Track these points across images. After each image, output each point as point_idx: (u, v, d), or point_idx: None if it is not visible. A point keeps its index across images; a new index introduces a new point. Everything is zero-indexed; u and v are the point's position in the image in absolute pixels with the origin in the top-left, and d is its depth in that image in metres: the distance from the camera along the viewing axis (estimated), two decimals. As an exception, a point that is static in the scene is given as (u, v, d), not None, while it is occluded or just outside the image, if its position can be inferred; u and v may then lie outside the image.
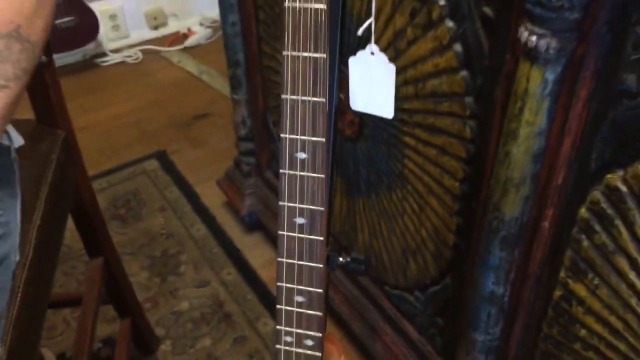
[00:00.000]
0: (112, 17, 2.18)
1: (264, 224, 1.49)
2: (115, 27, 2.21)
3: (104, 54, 2.20)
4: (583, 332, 0.74)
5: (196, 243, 1.54)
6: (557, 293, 0.75)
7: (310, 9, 0.47)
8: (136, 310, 1.22)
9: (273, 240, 1.51)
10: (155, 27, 2.31)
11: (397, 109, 0.88)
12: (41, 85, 0.87)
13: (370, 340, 1.19)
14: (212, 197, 1.66)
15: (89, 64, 2.17)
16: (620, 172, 0.61)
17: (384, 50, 0.84)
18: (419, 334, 1.09)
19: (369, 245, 1.12)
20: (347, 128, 1.02)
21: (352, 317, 1.22)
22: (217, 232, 1.56)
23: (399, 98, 0.87)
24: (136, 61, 2.20)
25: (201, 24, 2.35)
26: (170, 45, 2.27)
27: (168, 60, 2.21)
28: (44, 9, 0.61)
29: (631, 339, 0.68)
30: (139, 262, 1.50)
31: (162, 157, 1.80)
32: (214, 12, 2.37)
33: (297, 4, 0.47)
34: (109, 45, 2.21)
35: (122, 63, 2.20)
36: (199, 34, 2.30)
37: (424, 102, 0.84)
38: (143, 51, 2.24)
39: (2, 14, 0.59)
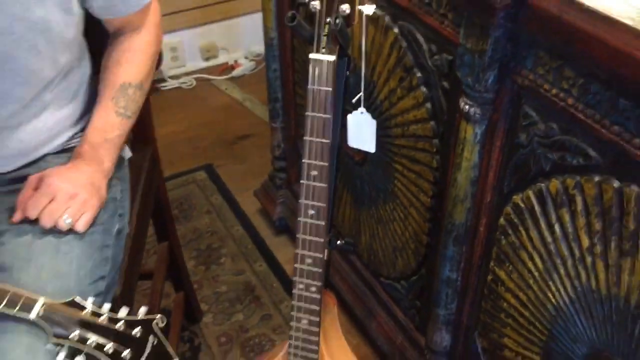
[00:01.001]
0: (173, 49, 2.58)
1: (291, 227, 1.85)
2: (175, 58, 2.61)
3: (163, 80, 2.59)
4: (505, 304, 1.07)
5: (235, 240, 1.90)
6: (489, 277, 1.09)
7: (322, 90, 0.82)
8: (188, 286, 1.58)
9: (297, 241, 1.86)
10: (207, 59, 2.70)
11: (390, 143, 1.23)
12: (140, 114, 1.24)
13: (367, 321, 1.52)
14: (249, 205, 2.02)
15: (151, 88, 2.56)
16: (520, 195, 0.95)
17: (382, 101, 1.19)
18: (404, 314, 1.43)
19: (370, 245, 1.46)
20: (356, 155, 1.36)
21: (355, 303, 1.56)
22: (252, 233, 1.92)
23: (391, 136, 1.22)
24: (190, 87, 2.59)
25: (246, 57, 2.74)
26: (220, 74, 2.66)
27: (217, 87, 2.60)
28: (153, 70, 1.00)
29: (532, 308, 1.01)
30: (187, 253, 1.86)
31: (210, 170, 2.17)
32: (258, 48, 2.76)
33: (315, 87, 0.82)
34: (168, 73, 2.61)
35: (179, 88, 2.59)
36: (244, 66, 2.68)
37: (407, 141, 1.18)
38: (196, 79, 2.63)
39: (133, 72, 0.97)
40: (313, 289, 0.91)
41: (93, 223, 0.93)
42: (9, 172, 0.97)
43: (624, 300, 0.83)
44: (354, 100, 0.91)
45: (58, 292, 0.85)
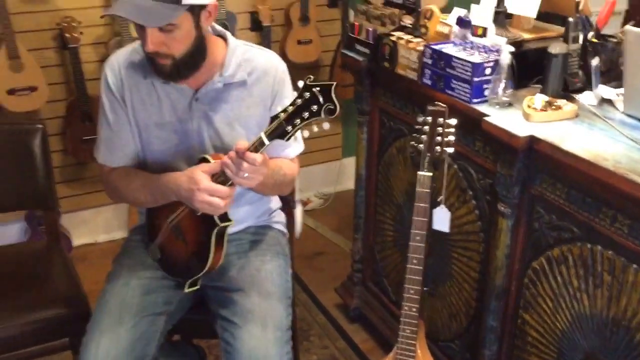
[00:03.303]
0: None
1: (365, 316, 2.43)
2: (262, 193, 3.36)
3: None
4: (530, 338, 1.65)
5: (319, 325, 2.49)
6: (519, 321, 1.68)
7: (424, 191, 1.50)
8: (296, 346, 2.15)
9: (370, 327, 2.43)
10: (286, 195, 3.45)
11: (450, 238, 1.88)
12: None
13: (428, 377, 2.07)
14: (328, 301, 2.62)
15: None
16: (536, 263, 1.59)
17: (451, 204, 1.86)
18: (457, 367, 1.98)
19: (430, 317, 2.05)
20: (423, 250, 2.01)
21: (418, 364, 2.11)
22: (332, 320, 2.51)
23: (452, 233, 1.87)
24: (274, 216, 3.30)
25: (315, 196, 3.48)
26: (296, 207, 3.38)
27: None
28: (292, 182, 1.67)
29: (547, 336, 1.59)
30: (282, 334, 2.43)
31: (295, 276, 2.79)
32: (325, 189, 3.51)
33: (420, 189, 1.50)
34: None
35: (264, 216, 3.30)
36: (315, 203, 3.42)
37: (462, 236, 1.84)
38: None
39: (293, 170, 1.64)
40: (414, 309, 1.53)
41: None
42: (234, 233, 1.63)
43: (600, 315, 1.44)
44: (438, 200, 1.59)
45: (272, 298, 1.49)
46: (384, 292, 2.33)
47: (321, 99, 1.22)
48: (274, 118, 1.27)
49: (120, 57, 1.56)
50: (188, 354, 1.81)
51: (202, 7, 1.41)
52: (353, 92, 2.31)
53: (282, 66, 1.60)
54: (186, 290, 1.54)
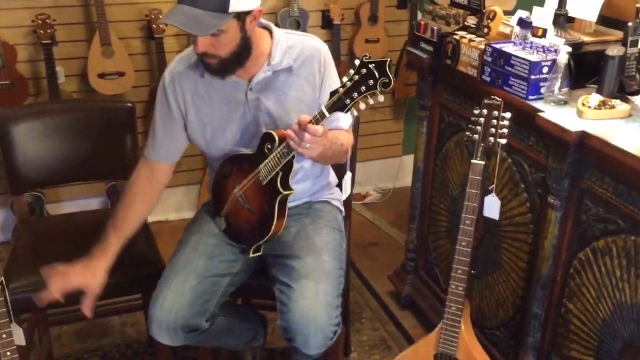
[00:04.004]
0: (323, 178, 3.48)
1: (415, 303, 2.54)
2: (323, 184, 3.50)
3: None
4: (572, 327, 1.72)
5: (371, 309, 2.61)
6: (562, 310, 1.76)
7: (476, 178, 1.60)
8: (348, 325, 2.28)
9: (420, 314, 2.54)
10: (346, 188, 3.58)
11: (501, 229, 1.97)
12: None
13: (473, 363, 2.15)
14: (380, 288, 2.74)
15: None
16: (582, 254, 1.66)
17: (503, 196, 1.95)
18: (500, 354, 2.06)
19: (477, 306, 2.14)
20: (474, 240, 2.10)
21: (464, 350, 2.20)
22: (384, 306, 2.62)
23: (501, 225, 1.96)
24: (333, 207, 3.44)
25: (374, 190, 3.60)
26: (355, 201, 3.51)
27: (354, 209, 3.44)
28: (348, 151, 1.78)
29: (588, 324, 1.66)
30: (335, 315, 2.57)
31: (351, 263, 2.93)
32: (383, 184, 3.63)
33: (472, 177, 1.61)
34: (317, 195, 3.49)
35: (324, 207, 3.45)
36: (373, 196, 3.54)
37: (512, 227, 1.92)
38: (338, 201, 3.49)
39: (349, 139, 1.74)
40: (460, 288, 1.63)
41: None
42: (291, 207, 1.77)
43: (640, 305, 1.51)
44: (489, 188, 1.69)
45: (327, 269, 1.62)
46: (435, 281, 2.43)
47: (377, 74, 1.33)
48: (334, 93, 1.40)
49: (179, 63, 1.73)
50: (250, 319, 1.96)
51: (248, 12, 1.55)
52: (415, 91, 2.42)
53: (324, 47, 1.74)
54: (250, 255, 1.70)
